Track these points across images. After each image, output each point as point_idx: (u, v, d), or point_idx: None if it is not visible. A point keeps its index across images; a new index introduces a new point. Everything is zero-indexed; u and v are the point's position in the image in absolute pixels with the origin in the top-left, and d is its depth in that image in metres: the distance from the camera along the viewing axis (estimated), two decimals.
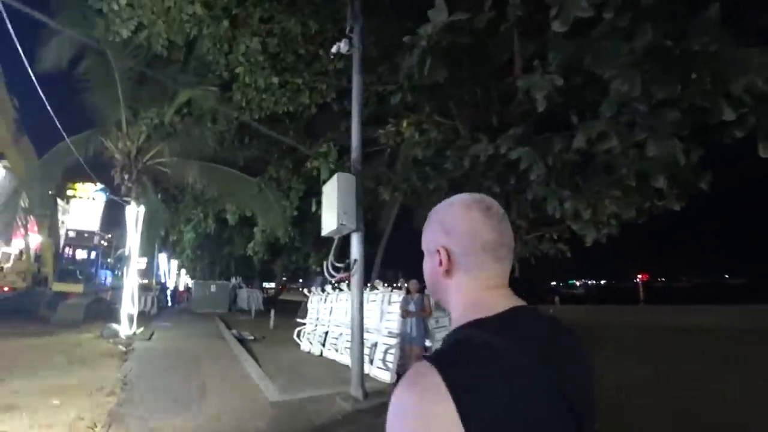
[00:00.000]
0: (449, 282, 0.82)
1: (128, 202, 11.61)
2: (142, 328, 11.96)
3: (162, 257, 33.23)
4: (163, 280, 34.11)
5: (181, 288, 39.72)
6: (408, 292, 6.78)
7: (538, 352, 0.71)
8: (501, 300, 0.78)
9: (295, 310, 17.75)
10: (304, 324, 11.01)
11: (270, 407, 5.22)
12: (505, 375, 0.66)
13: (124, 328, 10.90)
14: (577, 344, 0.81)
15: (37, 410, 4.83)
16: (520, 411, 0.64)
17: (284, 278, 32.98)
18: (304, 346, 10.35)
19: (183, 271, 49.79)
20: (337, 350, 8.71)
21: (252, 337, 12.39)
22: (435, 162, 7.14)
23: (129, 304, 11.10)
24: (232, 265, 28.43)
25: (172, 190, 14.77)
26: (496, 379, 0.65)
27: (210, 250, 24.66)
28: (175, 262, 42.36)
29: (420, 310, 6.46)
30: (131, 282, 11.24)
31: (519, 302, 0.79)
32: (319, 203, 6.54)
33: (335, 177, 5.50)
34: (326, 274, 5.56)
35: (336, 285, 9.36)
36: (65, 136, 11.59)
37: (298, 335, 10.84)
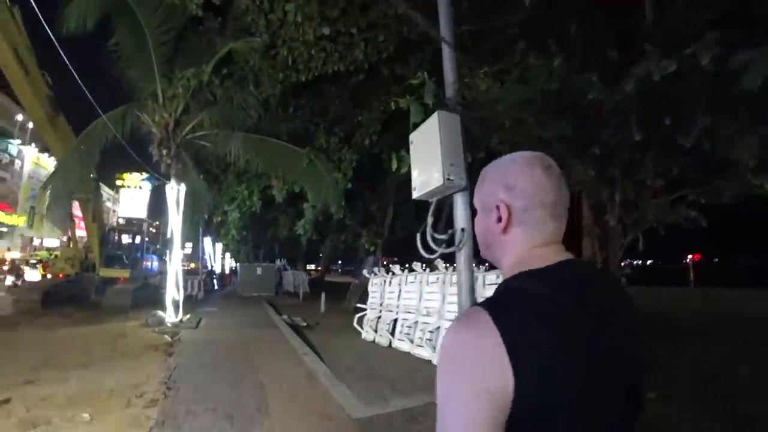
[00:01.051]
0: (504, 238, 0.83)
1: (168, 181, 10.63)
2: (188, 315, 11.09)
3: (207, 241, 33.11)
4: (209, 264, 34.07)
5: (227, 271, 40.12)
6: None
7: (585, 303, 0.72)
8: (552, 254, 0.79)
9: (343, 292, 16.75)
10: (365, 310, 9.73)
11: (356, 429, 3.89)
12: (552, 321, 0.68)
13: (170, 316, 10.01)
14: (627, 301, 0.82)
15: (60, 429, 3.73)
16: (564, 355, 0.66)
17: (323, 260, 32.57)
18: (367, 334, 9.08)
19: (228, 255, 50.60)
20: (411, 341, 7.35)
21: (305, 324, 11.30)
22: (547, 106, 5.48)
23: (174, 290, 10.18)
24: (276, 247, 27.74)
25: (214, 168, 13.74)
26: (544, 322, 0.68)
27: (254, 232, 23.93)
28: (219, 246, 43.16)
29: None
30: (175, 266, 10.30)
31: (571, 256, 0.80)
32: (400, 159, 5.03)
33: (435, 118, 4.00)
34: (421, 250, 4.13)
35: (428, 264, 7.93)
36: (100, 112, 10.71)
37: (359, 322, 9.58)
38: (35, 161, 37.26)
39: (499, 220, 0.82)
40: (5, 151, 32.87)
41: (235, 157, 11.16)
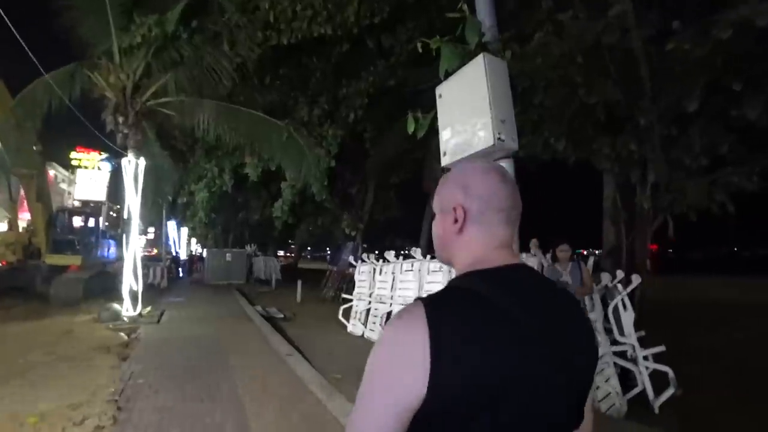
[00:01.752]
0: (459, 238, 0.83)
1: (125, 153, 9.25)
2: (149, 308, 9.85)
3: (171, 225, 31.31)
4: (173, 250, 32.27)
5: (194, 258, 38.78)
6: (555, 260, 4.45)
7: (529, 306, 0.71)
8: (503, 257, 0.80)
9: (318, 280, 15.75)
10: (350, 300, 8.79)
11: None
12: (489, 320, 0.68)
13: (127, 309, 8.76)
14: (575, 306, 0.83)
15: None
16: (498, 356, 0.66)
17: (292, 246, 31.37)
18: (354, 328, 8.17)
19: (194, 240, 47.92)
20: None
21: (282, 315, 10.27)
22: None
23: (131, 279, 8.90)
24: (246, 232, 26.30)
25: (180, 144, 12.31)
26: (478, 321, 0.67)
27: (223, 217, 22.48)
28: (185, 231, 40.82)
29: (578, 287, 4.15)
30: (133, 252, 9.02)
31: (518, 260, 0.81)
32: (416, 121, 4.04)
33: (479, 63, 3.01)
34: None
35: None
36: (41, 70, 9.13)
37: (345, 315, 8.65)
38: None
39: (456, 221, 0.83)
40: None
41: (204, 129, 9.86)
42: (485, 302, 0.69)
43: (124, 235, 9.48)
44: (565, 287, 3.36)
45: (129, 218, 9.08)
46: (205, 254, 25.39)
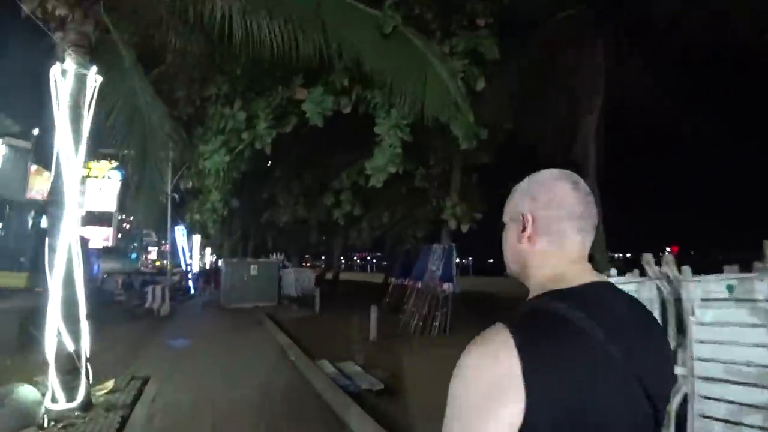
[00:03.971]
0: (532, 251, 0.80)
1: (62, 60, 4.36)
2: (112, 382, 4.87)
3: (180, 231, 25.61)
4: (183, 263, 25.99)
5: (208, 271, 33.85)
6: None
7: (615, 330, 0.68)
8: (582, 274, 0.76)
9: (369, 297, 10.66)
10: None
11: None
12: (577, 347, 0.65)
13: (54, 392, 3.80)
14: (658, 329, 0.81)
15: None
16: (587, 384, 0.64)
17: (306, 256, 27.04)
18: None
19: (209, 250, 42.38)
20: None
21: (378, 386, 5.17)
22: None
23: (63, 327, 3.92)
24: (270, 238, 20.96)
25: (180, 90, 7.35)
26: (566, 348, 0.65)
27: (242, 219, 17.60)
28: (198, 239, 34.85)
29: None
30: (59, 263, 4.01)
31: (601, 278, 0.78)
32: None
33: None
34: None
35: None
36: None
37: None
38: None
39: (524, 230, 0.80)
40: None
41: (223, 22, 4.88)
42: (569, 327, 0.66)
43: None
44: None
45: (57, 183, 4.16)
46: (221, 266, 18.61)
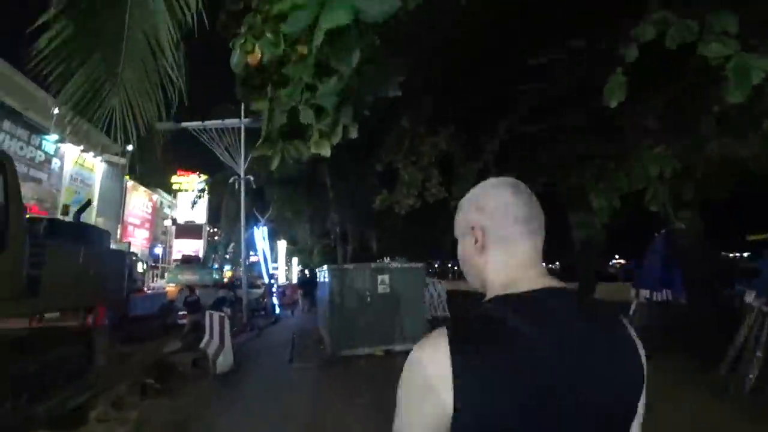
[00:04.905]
0: (485, 260, 0.83)
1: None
2: None
3: (259, 234, 20.62)
4: (265, 274, 20.01)
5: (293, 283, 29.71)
6: None
7: (556, 335, 0.70)
8: (534, 279, 0.78)
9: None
10: None
11: None
12: (510, 351, 0.68)
13: None
14: (612, 336, 0.77)
15: None
16: (517, 387, 0.66)
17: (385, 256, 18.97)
18: None
19: (295, 261, 39.42)
20: None
21: None
22: None
23: None
24: (371, 239, 15.72)
25: None
26: (498, 352, 0.68)
27: (339, 212, 13.93)
28: (283, 246, 33.00)
29: None
30: None
31: (552, 283, 0.78)
32: None
33: None
34: None
35: None
36: None
37: None
38: (79, 162, 32.95)
39: (476, 241, 0.83)
40: (39, 147, 28.35)
41: None
42: (507, 331, 0.70)
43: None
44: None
45: None
46: (323, 276, 10.80)
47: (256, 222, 19.81)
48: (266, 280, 19.60)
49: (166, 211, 57.09)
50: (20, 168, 26.97)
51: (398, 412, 0.72)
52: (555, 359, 0.68)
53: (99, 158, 35.79)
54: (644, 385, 0.76)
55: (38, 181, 28.55)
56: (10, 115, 25.97)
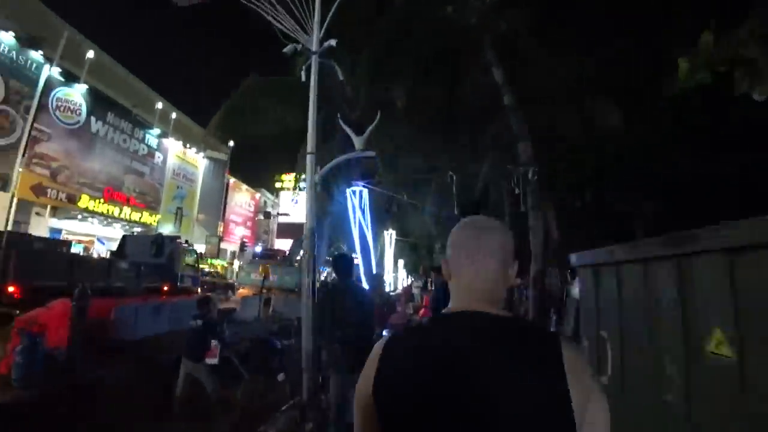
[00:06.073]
0: (450, 284, 1.01)
1: None
2: None
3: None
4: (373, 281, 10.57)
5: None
6: None
7: (456, 351, 0.83)
8: (465, 301, 0.94)
9: None
10: None
11: None
12: (416, 361, 0.86)
13: None
14: (535, 358, 0.82)
15: None
16: (412, 382, 0.83)
17: None
18: None
19: (402, 266, 29.32)
20: None
21: None
22: None
23: None
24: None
25: None
26: (407, 361, 0.87)
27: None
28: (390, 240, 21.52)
29: None
30: None
31: (479, 307, 0.91)
32: None
33: None
34: None
35: None
36: None
37: None
38: (181, 156, 32.59)
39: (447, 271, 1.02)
40: (143, 141, 27.88)
41: None
42: (418, 344, 0.90)
43: None
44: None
45: None
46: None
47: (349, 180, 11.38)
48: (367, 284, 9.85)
49: (269, 210, 57.14)
50: (123, 160, 26.93)
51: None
52: (449, 363, 0.82)
53: (201, 154, 35.46)
54: (564, 416, 0.77)
55: (141, 174, 28.03)
56: (113, 107, 25.39)
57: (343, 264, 4.15)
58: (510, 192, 8.90)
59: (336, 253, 10.94)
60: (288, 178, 61.51)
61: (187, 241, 14.50)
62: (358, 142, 4.69)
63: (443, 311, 0.94)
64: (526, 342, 0.85)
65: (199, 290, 12.93)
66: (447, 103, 9.67)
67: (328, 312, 3.86)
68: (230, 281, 25.33)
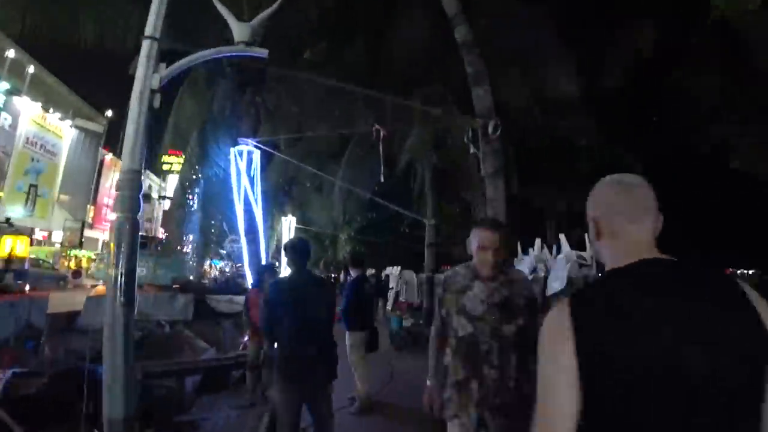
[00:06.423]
0: (601, 244, 1.01)
1: None
2: None
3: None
4: (259, 272, 6.73)
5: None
6: None
7: (656, 302, 0.81)
8: (636, 253, 0.92)
9: None
10: None
11: None
12: (620, 314, 0.82)
13: None
14: (731, 313, 0.80)
15: None
16: (629, 354, 0.77)
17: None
18: None
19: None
20: None
21: None
22: None
23: None
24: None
25: None
26: (611, 314, 0.82)
27: None
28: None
29: None
30: None
31: (657, 255, 0.92)
32: None
33: None
34: None
35: None
36: None
37: None
38: (38, 121, 26.52)
39: (593, 229, 1.02)
40: None
41: None
42: (616, 297, 0.85)
43: None
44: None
45: None
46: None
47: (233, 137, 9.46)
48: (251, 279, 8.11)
49: (155, 195, 50.27)
50: None
51: (539, 364, 0.89)
52: (651, 322, 0.79)
53: (68, 122, 29.47)
54: None
55: None
56: None
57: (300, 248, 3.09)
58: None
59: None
60: (177, 160, 54.95)
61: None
62: (239, 30, 2.77)
63: (616, 267, 0.92)
64: (720, 289, 0.85)
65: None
66: (373, 50, 8.29)
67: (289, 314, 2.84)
68: (62, 272, 21.55)
